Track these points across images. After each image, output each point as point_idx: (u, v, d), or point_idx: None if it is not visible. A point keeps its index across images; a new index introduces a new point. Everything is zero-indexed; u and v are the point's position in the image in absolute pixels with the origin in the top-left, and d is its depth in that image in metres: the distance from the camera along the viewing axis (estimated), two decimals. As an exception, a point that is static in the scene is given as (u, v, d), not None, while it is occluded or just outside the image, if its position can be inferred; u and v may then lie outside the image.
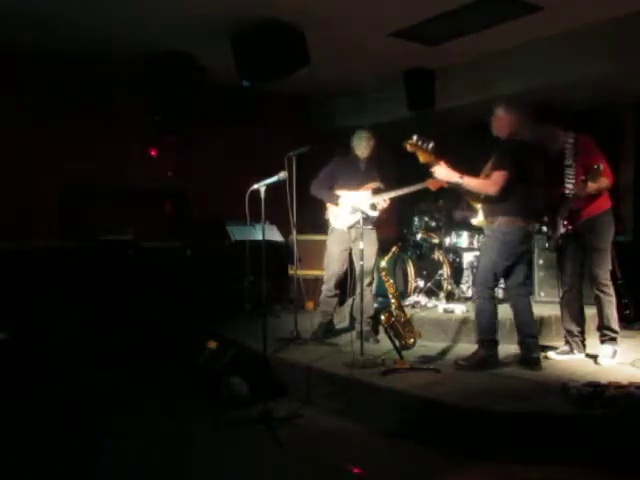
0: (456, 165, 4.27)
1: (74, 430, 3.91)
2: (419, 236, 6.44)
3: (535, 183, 4.20)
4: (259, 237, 4.29)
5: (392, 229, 7.82)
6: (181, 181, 6.70)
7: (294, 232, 5.12)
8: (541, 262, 5.85)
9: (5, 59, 5.84)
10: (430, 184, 4.80)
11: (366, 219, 4.87)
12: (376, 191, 5.12)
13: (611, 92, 6.21)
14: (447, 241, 6.20)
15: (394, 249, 4.95)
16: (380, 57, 6.21)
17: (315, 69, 5.69)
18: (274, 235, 5.66)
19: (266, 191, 4.13)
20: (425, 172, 4.36)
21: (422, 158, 4.16)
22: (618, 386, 3.46)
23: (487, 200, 4.23)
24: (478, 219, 4.41)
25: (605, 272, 4.29)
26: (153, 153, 6.80)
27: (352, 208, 4.92)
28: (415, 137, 4.14)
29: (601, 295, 4.31)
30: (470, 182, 4.16)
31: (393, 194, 5.07)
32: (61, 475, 3.35)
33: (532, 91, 5.90)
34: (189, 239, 6.60)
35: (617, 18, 5.14)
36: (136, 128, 6.51)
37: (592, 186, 4.11)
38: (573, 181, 4.21)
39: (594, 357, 4.36)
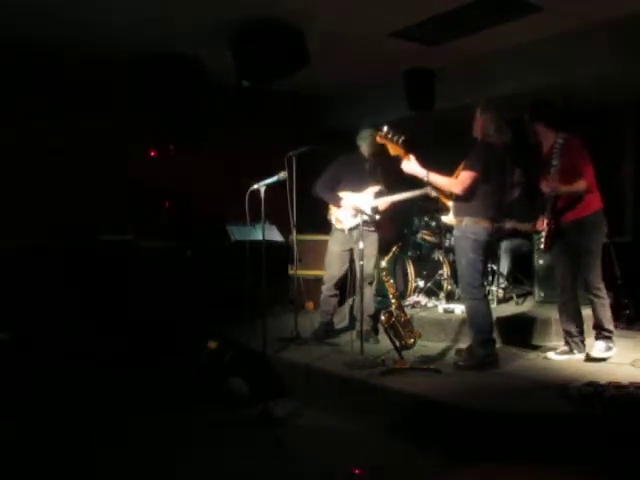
0: (455, 165, 4.29)
1: (72, 430, 3.92)
2: (419, 236, 6.44)
3: (499, 185, 4.22)
4: (259, 237, 4.29)
5: (392, 229, 7.81)
6: (181, 181, 6.70)
7: (294, 232, 5.13)
8: (541, 262, 5.83)
9: (4, 57, 5.84)
10: (430, 190, 4.67)
11: (367, 222, 4.91)
12: (378, 194, 5.12)
13: (611, 92, 6.21)
14: (447, 241, 6.20)
15: (394, 249, 4.94)
16: (380, 57, 6.21)
17: (315, 69, 5.69)
18: (274, 235, 5.65)
19: (266, 191, 4.13)
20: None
21: (392, 151, 4.19)
22: (618, 386, 3.45)
23: (454, 199, 4.26)
24: (448, 217, 4.41)
25: (596, 275, 4.27)
26: (153, 153, 6.79)
27: (354, 211, 4.95)
28: (386, 129, 4.14)
29: (594, 299, 4.29)
30: (436, 179, 4.18)
31: (395, 198, 5.06)
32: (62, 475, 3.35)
33: (532, 91, 5.89)
34: (189, 239, 6.60)
35: (617, 18, 5.14)
36: (136, 128, 6.52)
37: (563, 188, 4.13)
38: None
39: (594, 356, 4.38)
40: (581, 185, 4.16)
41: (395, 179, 5.09)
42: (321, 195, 5.24)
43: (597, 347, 4.31)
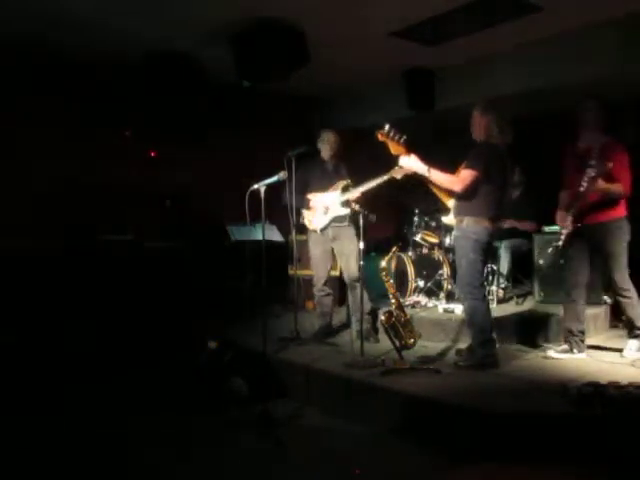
0: (455, 165, 4.28)
1: (72, 430, 3.92)
2: (419, 236, 6.44)
3: (500, 185, 4.20)
4: (259, 237, 4.30)
5: (392, 229, 7.81)
6: (181, 181, 6.69)
7: (294, 232, 5.14)
8: (541, 262, 5.82)
9: (4, 57, 5.84)
10: (395, 173, 4.62)
11: (341, 217, 5.07)
12: (345, 188, 5.13)
13: (611, 92, 6.20)
14: (447, 241, 6.19)
15: (394, 249, 4.94)
16: (380, 57, 6.21)
17: (315, 69, 5.69)
18: (274, 235, 5.66)
19: (266, 191, 4.14)
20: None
21: (393, 149, 4.16)
22: (618, 386, 3.46)
23: (455, 198, 4.25)
24: (449, 218, 4.40)
25: (622, 276, 4.30)
26: (153, 154, 6.79)
27: (324, 209, 5.11)
28: (387, 127, 4.10)
29: (622, 299, 4.35)
30: (437, 175, 4.16)
31: (364, 188, 4.97)
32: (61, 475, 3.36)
33: (532, 91, 5.90)
34: (189, 239, 6.60)
35: (617, 18, 5.15)
36: (136, 128, 6.51)
37: (602, 183, 4.10)
38: (587, 179, 4.19)
39: (596, 354, 4.43)
40: (619, 188, 4.16)
41: (362, 177, 5.06)
42: (291, 203, 5.13)
43: (629, 345, 4.38)
